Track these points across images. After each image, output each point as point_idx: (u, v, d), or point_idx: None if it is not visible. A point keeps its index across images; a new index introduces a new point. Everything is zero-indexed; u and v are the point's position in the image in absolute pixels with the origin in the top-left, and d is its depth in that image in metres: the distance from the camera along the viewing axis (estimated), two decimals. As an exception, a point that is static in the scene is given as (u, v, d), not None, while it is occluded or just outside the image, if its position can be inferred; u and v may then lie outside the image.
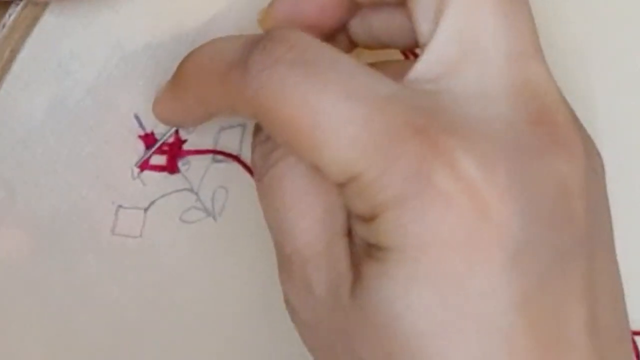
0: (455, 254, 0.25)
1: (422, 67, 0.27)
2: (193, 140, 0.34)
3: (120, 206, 0.34)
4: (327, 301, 0.27)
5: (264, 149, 0.29)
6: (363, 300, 0.26)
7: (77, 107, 0.33)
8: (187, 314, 0.35)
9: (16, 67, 0.32)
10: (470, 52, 0.27)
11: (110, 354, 0.35)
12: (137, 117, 0.33)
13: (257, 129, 0.30)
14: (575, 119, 0.27)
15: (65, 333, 0.34)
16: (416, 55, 0.34)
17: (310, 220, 0.28)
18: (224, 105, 0.28)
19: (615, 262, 0.28)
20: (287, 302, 0.29)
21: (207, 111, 0.30)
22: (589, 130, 0.29)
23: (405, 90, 0.26)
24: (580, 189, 0.26)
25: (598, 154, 0.29)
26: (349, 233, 0.28)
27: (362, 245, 0.27)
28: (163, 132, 0.33)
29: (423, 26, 0.28)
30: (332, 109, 0.25)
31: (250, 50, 0.27)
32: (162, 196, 0.34)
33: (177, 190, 0.34)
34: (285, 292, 0.29)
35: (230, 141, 0.34)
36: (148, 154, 0.33)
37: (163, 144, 0.34)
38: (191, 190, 0.35)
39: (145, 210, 0.34)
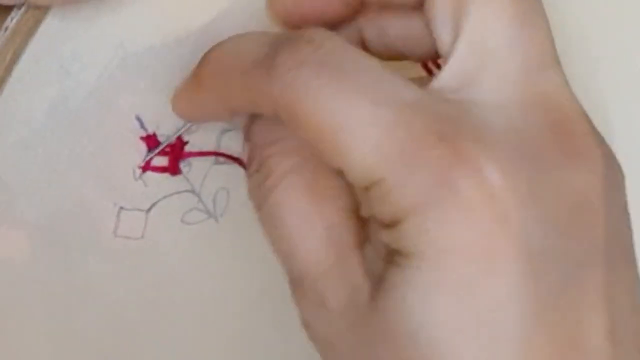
0: (476, 261, 0.25)
1: (444, 77, 0.27)
2: (195, 141, 0.34)
3: (122, 208, 0.34)
4: (345, 315, 0.27)
5: (258, 179, 0.29)
6: (384, 308, 0.26)
7: (79, 108, 0.33)
8: (188, 314, 0.35)
9: (18, 68, 0.32)
10: (488, 62, 0.27)
11: (111, 355, 0.35)
12: (138, 119, 0.33)
13: (250, 159, 0.30)
14: (594, 130, 0.27)
15: (67, 334, 0.34)
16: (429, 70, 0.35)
17: (314, 239, 0.28)
18: (246, 102, 0.29)
19: (635, 274, 0.28)
20: (304, 323, 0.29)
21: (227, 107, 0.30)
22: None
23: (430, 98, 0.26)
24: (599, 200, 0.26)
25: (618, 166, 0.28)
26: (362, 245, 0.28)
27: (383, 252, 0.27)
28: (165, 133, 0.34)
29: (443, 35, 0.28)
30: (357, 112, 0.26)
31: (277, 49, 0.27)
32: (164, 197, 0.34)
33: (179, 192, 0.34)
34: (301, 312, 0.29)
35: (233, 143, 0.34)
36: (152, 155, 0.33)
37: (166, 145, 0.34)
38: (193, 191, 0.35)
39: (147, 211, 0.34)
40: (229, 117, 0.31)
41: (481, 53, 0.27)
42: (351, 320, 0.27)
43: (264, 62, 0.27)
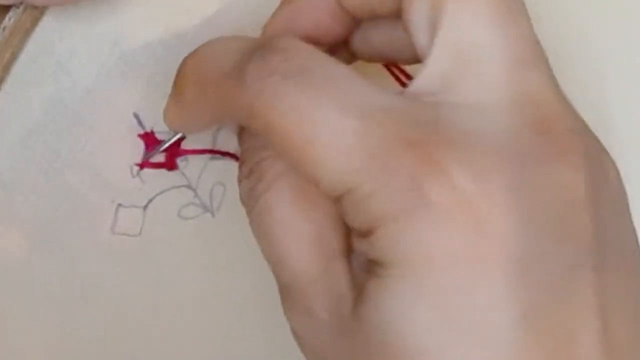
0: (454, 269, 0.24)
1: (421, 81, 0.27)
2: (191, 137, 0.34)
3: (120, 205, 0.34)
4: (330, 324, 0.27)
5: (249, 184, 0.29)
6: (365, 319, 0.26)
7: (77, 107, 0.33)
8: (186, 309, 0.36)
9: (16, 67, 0.32)
10: (467, 64, 0.26)
11: (110, 352, 0.35)
12: (136, 116, 0.34)
13: (241, 163, 0.30)
14: (580, 128, 0.27)
15: (65, 331, 0.34)
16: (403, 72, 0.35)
17: (303, 246, 0.28)
18: (222, 112, 0.28)
19: (634, 271, 0.27)
20: (293, 332, 0.29)
21: (208, 117, 0.30)
22: (607, 137, 0.28)
23: (403, 103, 0.26)
24: (585, 199, 0.25)
25: (610, 163, 0.27)
26: (348, 253, 0.28)
27: (363, 261, 0.27)
28: (163, 130, 0.34)
29: (420, 39, 0.27)
30: (326, 121, 0.25)
31: (247, 58, 0.26)
32: (161, 193, 0.35)
33: (175, 187, 0.35)
34: (289, 321, 0.29)
35: (229, 139, 0.35)
36: (152, 153, 0.34)
37: (162, 141, 0.34)
38: (189, 186, 0.35)
39: (144, 208, 0.34)
40: (217, 125, 0.31)
41: (458, 55, 0.26)
42: (336, 330, 0.27)
43: (235, 72, 0.27)
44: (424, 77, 0.27)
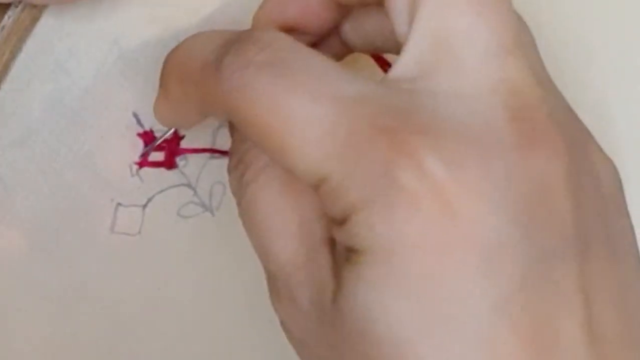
0: (426, 255, 0.24)
1: (399, 68, 0.27)
2: (191, 136, 0.34)
3: (119, 204, 0.34)
4: (313, 313, 0.27)
5: (237, 174, 0.29)
6: (342, 307, 0.26)
7: (76, 106, 0.33)
8: (186, 308, 0.36)
9: (15, 66, 0.32)
10: (445, 51, 0.26)
11: (110, 351, 0.35)
12: (135, 115, 0.34)
13: (231, 154, 0.30)
14: (562, 115, 0.27)
15: (65, 330, 0.34)
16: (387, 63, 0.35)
17: (288, 236, 0.28)
18: (201, 105, 0.28)
19: (625, 264, 0.27)
20: (281, 323, 0.29)
21: (194, 111, 0.30)
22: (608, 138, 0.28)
23: (379, 90, 0.26)
24: (565, 187, 0.25)
25: (597, 152, 0.27)
26: (332, 242, 0.28)
27: (342, 250, 0.26)
28: (162, 129, 0.34)
29: (401, 27, 0.27)
30: (299, 110, 0.25)
31: (225, 50, 0.27)
32: (160, 192, 0.35)
33: (175, 186, 0.35)
34: (276, 312, 0.29)
35: (229, 138, 0.35)
36: (148, 149, 0.34)
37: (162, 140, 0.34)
38: (188, 185, 0.35)
39: (144, 207, 0.34)
40: (205, 119, 0.31)
41: (436, 42, 0.26)
42: (318, 320, 0.27)
43: (213, 64, 0.27)
44: (402, 65, 0.27)
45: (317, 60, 0.26)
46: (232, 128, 0.31)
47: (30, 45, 0.32)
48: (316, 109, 0.25)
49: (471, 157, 0.24)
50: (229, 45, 0.27)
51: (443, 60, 0.26)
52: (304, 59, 0.26)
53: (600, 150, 0.28)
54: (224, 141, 0.35)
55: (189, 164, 0.35)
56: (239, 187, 0.29)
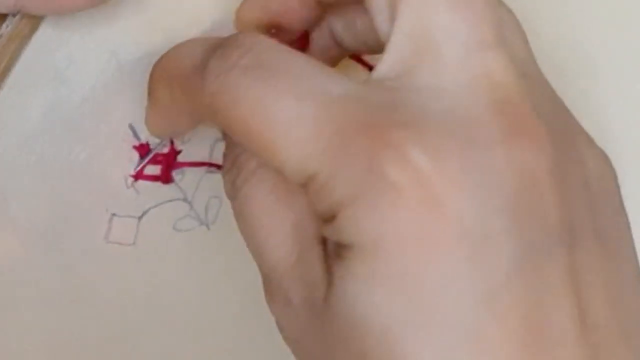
0: (411, 248, 0.24)
1: (383, 66, 0.27)
2: (188, 150, 0.34)
3: (114, 214, 0.34)
4: (305, 312, 0.27)
5: (231, 176, 0.29)
6: (333, 303, 0.26)
7: (73, 116, 0.33)
8: (179, 322, 0.36)
9: (13, 74, 0.32)
10: (425, 48, 0.26)
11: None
12: (131, 127, 0.33)
13: (224, 157, 0.30)
14: (546, 108, 0.27)
15: (58, 340, 0.34)
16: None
17: (281, 235, 0.28)
18: (189, 111, 0.29)
19: (617, 256, 0.27)
20: (277, 323, 0.29)
21: (183, 118, 0.30)
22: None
23: (362, 89, 0.26)
24: (548, 178, 0.25)
25: (587, 144, 0.28)
26: (324, 240, 0.28)
27: (332, 247, 0.27)
28: (157, 142, 0.34)
29: (382, 26, 0.28)
30: (284, 110, 0.26)
31: (209, 55, 0.27)
32: (156, 205, 0.34)
33: (171, 200, 0.35)
34: (272, 311, 0.29)
35: (225, 151, 0.35)
36: (143, 164, 0.33)
37: (158, 154, 0.34)
38: (185, 199, 0.35)
39: (139, 218, 0.34)
40: (192, 127, 0.31)
41: (417, 39, 0.27)
42: (310, 317, 0.27)
43: (197, 69, 0.27)
44: (385, 63, 0.27)
45: (301, 62, 0.27)
46: (223, 132, 0.32)
47: (29, 54, 0.32)
48: (300, 108, 0.25)
49: (455, 150, 0.25)
50: (212, 50, 0.27)
51: (425, 57, 0.26)
52: (287, 61, 0.27)
53: (591, 143, 0.28)
54: (221, 155, 0.34)
55: (185, 178, 0.34)
56: (233, 190, 0.29)
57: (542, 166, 0.25)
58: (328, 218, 0.26)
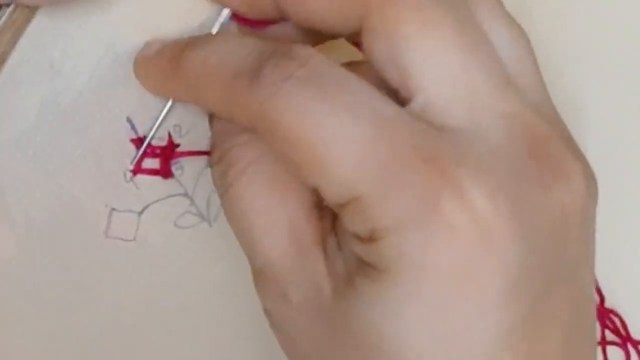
0: (455, 281, 0.25)
1: (416, 105, 0.27)
2: (187, 144, 0.34)
3: (113, 209, 0.34)
4: (305, 310, 0.28)
5: (220, 170, 0.29)
6: (351, 314, 0.26)
7: (70, 108, 0.33)
8: (180, 318, 0.35)
9: (8, 67, 0.32)
10: (450, 90, 0.27)
11: (103, 357, 0.35)
12: (129, 120, 0.33)
13: (212, 148, 0.30)
14: (570, 145, 0.28)
15: (58, 336, 0.34)
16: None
17: (276, 235, 0.28)
18: (222, 109, 0.29)
19: (592, 282, 0.28)
20: (265, 310, 0.30)
21: (200, 106, 0.31)
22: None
23: (410, 115, 0.26)
24: (579, 216, 0.27)
25: (593, 176, 0.28)
26: (324, 242, 0.28)
27: (354, 261, 0.27)
28: (156, 136, 0.33)
29: (392, 75, 0.27)
30: (338, 128, 0.26)
31: (262, 62, 0.27)
32: (156, 201, 0.34)
33: (171, 195, 0.34)
34: (262, 301, 0.30)
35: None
36: (138, 155, 0.33)
37: (156, 147, 0.33)
38: (185, 194, 0.34)
39: (139, 214, 0.34)
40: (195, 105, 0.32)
41: (437, 81, 0.27)
42: (312, 317, 0.28)
43: (247, 74, 0.27)
44: (417, 102, 0.27)
45: (354, 80, 0.27)
46: (212, 121, 0.31)
47: (23, 46, 0.32)
48: (356, 128, 0.26)
49: (504, 189, 0.25)
50: (265, 58, 0.27)
51: (450, 100, 0.27)
52: (342, 78, 0.27)
53: (593, 174, 0.29)
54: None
55: (185, 173, 0.34)
56: (222, 183, 0.29)
57: (576, 205, 0.27)
58: (365, 239, 0.26)
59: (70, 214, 0.33)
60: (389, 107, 0.26)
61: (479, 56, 0.27)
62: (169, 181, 0.34)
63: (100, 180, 0.33)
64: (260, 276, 0.29)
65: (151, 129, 0.33)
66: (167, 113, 0.33)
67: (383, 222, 0.25)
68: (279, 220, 0.28)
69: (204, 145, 0.34)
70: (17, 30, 0.31)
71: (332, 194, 0.26)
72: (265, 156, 0.29)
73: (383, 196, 0.25)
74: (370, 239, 0.26)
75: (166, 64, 0.30)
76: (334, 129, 0.25)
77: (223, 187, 0.29)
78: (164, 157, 0.33)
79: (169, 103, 0.32)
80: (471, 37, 0.27)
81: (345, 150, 0.25)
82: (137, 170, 0.33)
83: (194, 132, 0.34)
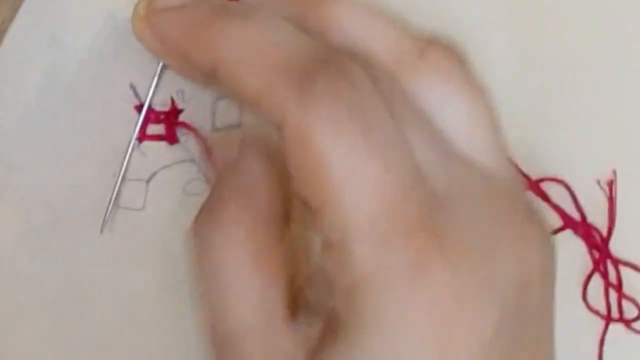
0: (429, 343, 0.25)
1: None
2: (190, 109, 0.34)
3: (121, 178, 0.34)
4: None
5: (206, 218, 0.29)
6: None
7: (72, 79, 0.33)
8: (190, 288, 0.35)
9: (9, 39, 0.32)
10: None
11: (113, 328, 0.35)
12: (132, 87, 0.33)
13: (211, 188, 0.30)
14: (536, 211, 0.29)
15: (69, 307, 0.34)
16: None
17: (247, 303, 0.28)
18: (252, 98, 0.27)
19: (552, 339, 0.29)
20: None
21: (214, 85, 0.30)
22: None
23: (420, 174, 0.26)
24: (539, 279, 0.27)
25: (550, 240, 0.29)
26: (294, 314, 0.28)
27: (320, 323, 0.27)
28: (159, 101, 0.33)
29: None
30: (368, 173, 0.25)
31: (315, 69, 0.26)
32: (164, 167, 0.34)
33: (178, 162, 0.34)
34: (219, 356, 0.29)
35: (229, 110, 0.34)
36: (140, 120, 0.33)
37: (159, 112, 0.33)
38: (193, 160, 0.34)
39: (147, 181, 0.34)
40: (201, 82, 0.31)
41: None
42: None
43: (297, 77, 0.26)
44: None
45: (389, 123, 0.26)
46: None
47: (24, 16, 0.32)
48: (385, 181, 0.25)
49: (485, 261, 0.26)
50: (318, 64, 0.26)
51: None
52: (380, 114, 0.26)
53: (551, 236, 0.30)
54: (225, 114, 0.34)
55: (191, 139, 0.34)
56: (202, 228, 0.29)
57: (537, 268, 0.27)
58: (344, 287, 0.26)
59: (78, 185, 0.34)
60: (409, 157, 0.26)
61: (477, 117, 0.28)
62: (176, 147, 0.34)
63: (107, 149, 0.33)
64: (220, 344, 0.28)
65: (151, 94, 0.33)
66: (162, 77, 0.33)
67: (366, 271, 0.25)
68: (252, 288, 0.28)
69: (207, 111, 0.34)
70: (15, 1, 0.31)
71: (330, 227, 0.26)
72: (259, 226, 0.28)
73: (376, 249, 0.25)
74: (350, 287, 0.26)
75: (189, 28, 0.28)
76: (364, 173, 0.25)
77: (202, 233, 0.28)
78: (169, 122, 0.33)
79: (160, 64, 0.32)
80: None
81: (368, 196, 0.25)
82: (142, 136, 0.33)
83: (198, 97, 0.34)
